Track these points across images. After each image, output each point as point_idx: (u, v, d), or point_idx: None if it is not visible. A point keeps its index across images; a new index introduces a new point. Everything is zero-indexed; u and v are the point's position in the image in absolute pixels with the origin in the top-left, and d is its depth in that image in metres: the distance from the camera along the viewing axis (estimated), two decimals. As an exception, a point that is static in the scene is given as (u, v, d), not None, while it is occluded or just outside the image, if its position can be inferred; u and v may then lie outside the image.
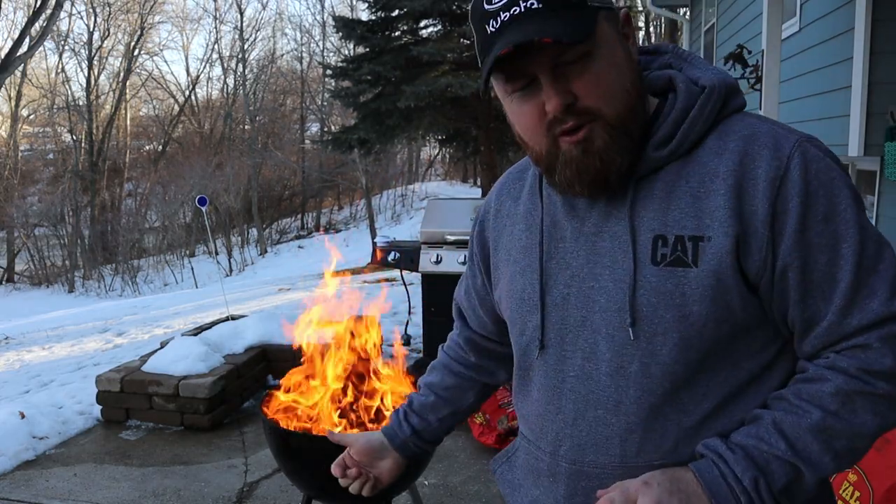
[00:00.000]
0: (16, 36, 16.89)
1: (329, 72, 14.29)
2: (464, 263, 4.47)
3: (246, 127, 29.50)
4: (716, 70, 1.02)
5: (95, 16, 27.88)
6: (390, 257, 4.76)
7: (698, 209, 0.95)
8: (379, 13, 11.30)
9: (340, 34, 12.74)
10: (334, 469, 1.34)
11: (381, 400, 2.24)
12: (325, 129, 24.03)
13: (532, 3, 0.91)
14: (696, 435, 0.97)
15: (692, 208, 0.95)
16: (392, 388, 2.26)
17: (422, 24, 11.61)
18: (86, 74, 27.55)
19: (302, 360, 2.29)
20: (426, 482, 3.28)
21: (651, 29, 21.33)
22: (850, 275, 0.91)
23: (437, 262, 4.51)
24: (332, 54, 28.26)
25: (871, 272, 0.92)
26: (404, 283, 5.28)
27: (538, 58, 0.91)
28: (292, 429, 2.10)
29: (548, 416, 1.06)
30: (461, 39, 11.05)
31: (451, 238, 4.51)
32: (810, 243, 0.92)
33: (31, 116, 28.75)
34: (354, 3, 27.07)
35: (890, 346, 0.91)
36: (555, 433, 1.06)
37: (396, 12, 11.15)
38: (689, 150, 0.98)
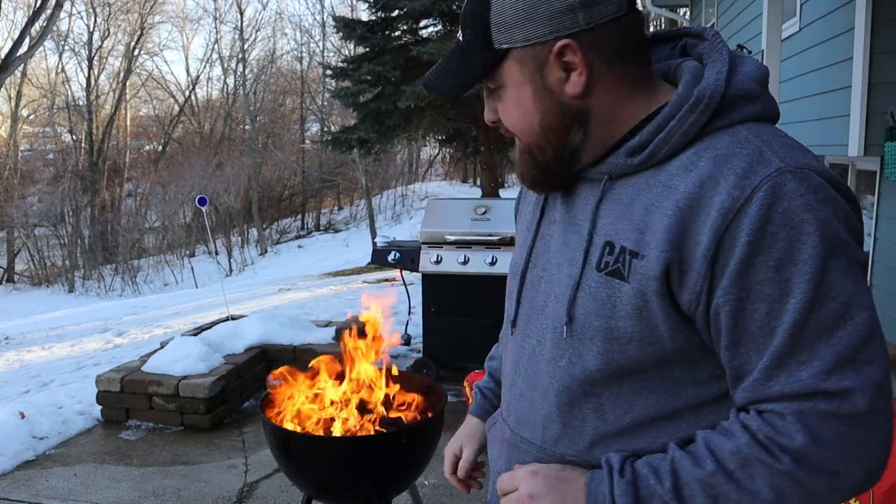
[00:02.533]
0: (16, 36, 16.89)
1: (329, 72, 14.27)
2: (464, 263, 4.47)
3: (246, 127, 29.52)
4: (724, 72, 0.92)
5: (95, 16, 27.92)
6: (390, 257, 4.76)
7: (645, 224, 0.90)
8: (379, 13, 11.29)
9: (340, 34, 12.74)
10: (462, 488, 1.32)
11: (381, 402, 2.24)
12: (325, 129, 24.02)
13: (459, 38, 0.99)
14: (612, 444, 0.96)
15: (641, 222, 0.90)
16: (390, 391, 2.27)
17: (422, 24, 11.61)
18: (86, 74, 27.58)
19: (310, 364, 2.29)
20: (426, 482, 3.28)
21: (651, 29, 21.34)
22: (786, 334, 0.82)
23: (437, 262, 4.51)
24: (332, 54, 28.28)
25: (821, 336, 0.81)
26: (404, 283, 5.28)
27: None
28: (292, 428, 2.11)
29: (506, 386, 1.13)
30: (461, 39, 11.04)
31: (451, 238, 4.52)
32: (751, 289, 0.83)
33: (31, 116, 28.75)
34: (354, 3, 27.10)
35: (805, 424, 0.81)
36: (507, 403, 1.12)
37: (396, 12, 11.14)
38: (666, 160, 0.92)
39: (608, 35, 0.92)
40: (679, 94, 0.92)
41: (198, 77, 32.15)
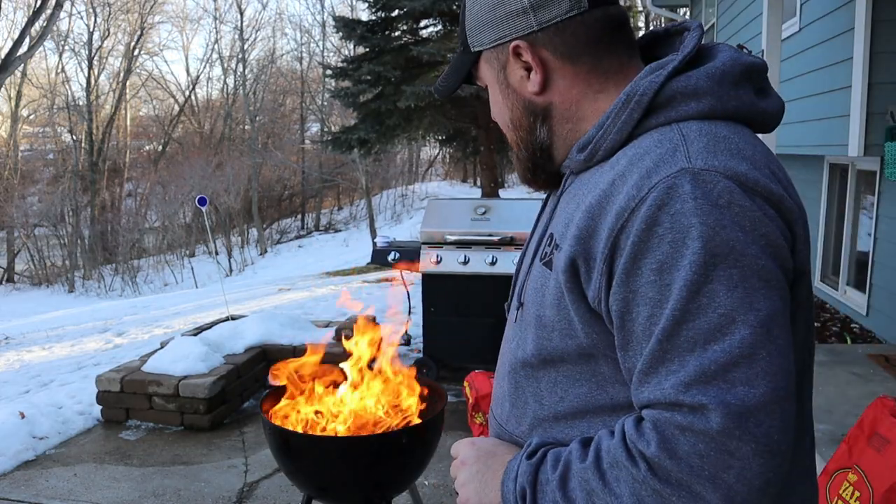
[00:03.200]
0: (16, 36, 16.89)
1: (329, 72, 14.28)
2: (464, 263, 4.47)
3: (246, 127, 29.52)
4: (662, 73, 0.90)
5: (95, 16, 27.92)
6: (390, 257, 4.76)
7: (570, 218, 0.92)
8: (379, 13, 11.30)
9: (340, 34, 12.75)
10: None
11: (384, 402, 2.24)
12: (325, 129, 24.03)
13: (458, 47, 1.08)
14: (548, 428, 0.99)
15: (569, 216, 0.93)
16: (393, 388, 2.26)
17: (422, 24, 11.61)
18: (86, 74, 27.57)
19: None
20: (426, 482, 3.28)
21: (650, 28, 21.30)
22: (657, 341, 0.79)
23: (438, 262, 4.51)
24: (332, 54, 28.29)
25: (694, 347, 0.77)
26: (404, 283, 5.28)
27: None
28: (292, 428, 2.11)
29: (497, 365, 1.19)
30: (461, 39, 11.04)
31: (451, 238, 4.52)
32: (637, 291, 0.81)
33: (31, 116, 28.75)
34: (354, 3, 27.09)
35: (658, 434, 0.78)
36: (493, 383, 1.17)
37: (396, 12, 11.14)
38: (607, 157, 0.93)
39: (563, 34, 0.94)
40: (624, 90, 0.92)
41: (198, 77, 32.21)
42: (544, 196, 1.15)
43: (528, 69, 0.98)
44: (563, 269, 0.89)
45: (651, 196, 0.80)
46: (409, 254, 4.73)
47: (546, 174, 1.05)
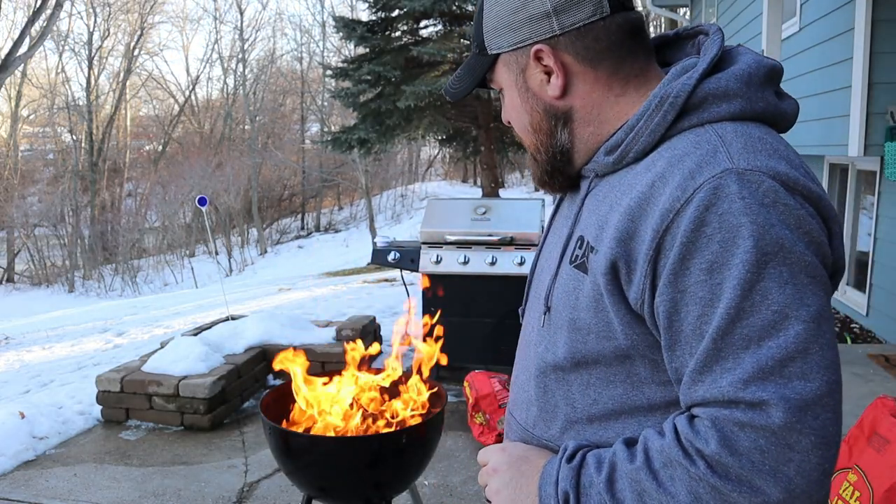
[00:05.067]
0: (16, 36, 16.88)
1: (329, 72, 14.27)
2: (464, 263, 4.47)
3: (246, 127, 29.53)
4: (695, 75, 0.91)
5: (95, 16, 27.92)
6: (390, 257, 4.76)
7: (605, 220, 0.93)
8: (379, 13, 11.29)
9: (340, 34, 12.74)
10: None
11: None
12: (325, 129, 24.01)
13: (471, 49, 1.08)
14: (581, 431, 0.99)
15: (603, 218, 0.94)
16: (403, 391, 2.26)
17: (422, 24, 11.60)
18: (86, 74, 27.58)
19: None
20: (426, 482, 3.28)
21: (651, 29, 21.34)
22: (711, 340, 0.81)
23: (437, 262, 4.51)
24: (332, 54, 28.30)
25: (749, 345, 0.79)
26: (404, 283, 5.28)
27: None
28: (292, 429, 2.11)
29: (513, 370, 1.17)
30: (461, 39, 11.05)
31: (451, 238, 4.52)
32: (686, 290, 0.82)
33: (31, 116, 28.76)
34: (354, 3, 27.10)
35: (717, 431, 0.79)
36: (511, 384, 1.16)
37: (396, 12, 11.14)
38: (638, 160, 0.94)
39: (585, 38, 0.95)
40: (654, 93, 0.93)
41: (198, 77, 32.25)
42: (542, 195, 1.16)
43: (549, 73, 0.98)
44: (603, 271, 0.89)
45: (697, 196, 0.81)
46: (408, 253, 4.73)
47: (563, 177, 1.05)
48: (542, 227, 1.09)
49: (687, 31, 1.05)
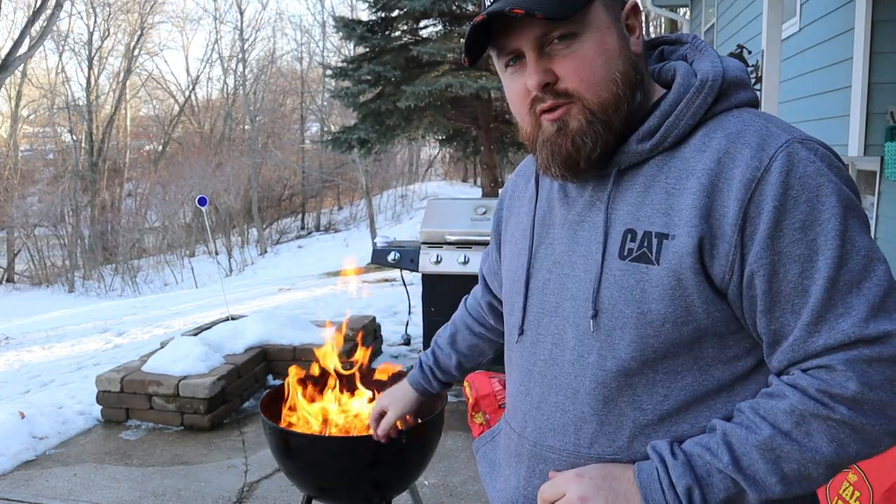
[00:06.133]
0: (16, 36, 16.88)
1: (329, 72, 14.27)
2: (464, 263, 4.48)
3: (246, 127, 29.51)
4: (718, 62, 0.98)
5: (95, 16, 27.91)
6: (390, 257, 4.76)
7: (669, 206, 0.93)
8: (379, 13, 11.29)
9: (340, 34, 12.73)
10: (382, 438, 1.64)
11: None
12: (325, 129, 24.01)
13: None
14: (652, 434, 0.96)
15: (664, 205, 0.93)
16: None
17: (422, 24, 11.60)
18: (86, 74, 27.56)
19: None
20: (426, 482, 3.28)
21: (651, 29, 21.33)
22: (822, 289, 0.85)
23: (437, 262, 4.51)
24: (332, 54, 28.29)
25: (851, 289, 0.85)
26: (404, 283, 5.28)
27: (525, 32, 0.93)
28: (292, 429, 2.11)
29: (519, 396, 1.09)
30: (461, 39, 11.04)
31: (451, 238, 4.52)
32: (782, 251, 0.87)
33: (31, 116, 28.74)
34: (354, 3, 27.09)
35: (855, 371, 0.84)
36: (523, 414, 1.08)
37: (396, 12, 11.13)
38: (676, 145, 0.96)
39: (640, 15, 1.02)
40: (680, 82, 0.97)
41: (198, 77, 32.24)
42: (534, 204, 1.12)
43: (631, 31, 0.99)
44: (690, 251, 0.90)
45: (775, 164, 0.87)
46: (408, 254, 4.73)
47: (601, 152, 0.97)
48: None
49: (648, 43, 1.10)
